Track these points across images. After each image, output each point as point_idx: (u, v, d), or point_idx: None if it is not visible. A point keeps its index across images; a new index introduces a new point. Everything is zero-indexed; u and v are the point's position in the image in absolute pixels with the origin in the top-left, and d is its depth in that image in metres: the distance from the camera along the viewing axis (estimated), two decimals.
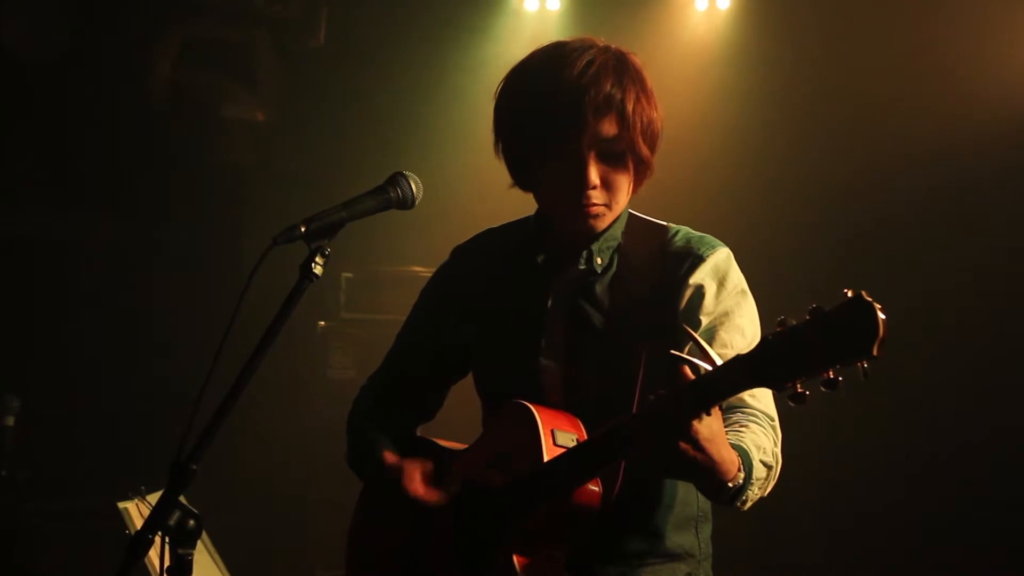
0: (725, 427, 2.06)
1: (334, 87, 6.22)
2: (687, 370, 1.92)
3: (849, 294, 1.71)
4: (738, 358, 1.85)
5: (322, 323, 5.84)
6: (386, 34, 6.14)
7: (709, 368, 1.89)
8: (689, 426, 1.90)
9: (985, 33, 4.92)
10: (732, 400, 2.14)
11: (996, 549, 4.78)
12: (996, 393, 4.87)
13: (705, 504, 2.41)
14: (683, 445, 1.92)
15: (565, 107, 2.24)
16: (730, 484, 2.00)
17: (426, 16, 6.07)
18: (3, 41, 5.63)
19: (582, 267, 2.39)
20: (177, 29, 6.15)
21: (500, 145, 2.41)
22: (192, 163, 6.14)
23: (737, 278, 2.37)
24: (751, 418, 2.19)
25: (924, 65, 5.00)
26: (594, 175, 2.27)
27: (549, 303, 2.40)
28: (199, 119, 6.21)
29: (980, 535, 4.82)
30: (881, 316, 1.67)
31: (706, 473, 1.96)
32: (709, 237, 2.41)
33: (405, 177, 2.19)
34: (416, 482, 2.38)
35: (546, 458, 2.16)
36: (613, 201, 2.32)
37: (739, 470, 2.01)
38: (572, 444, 2.18)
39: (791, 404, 1.79)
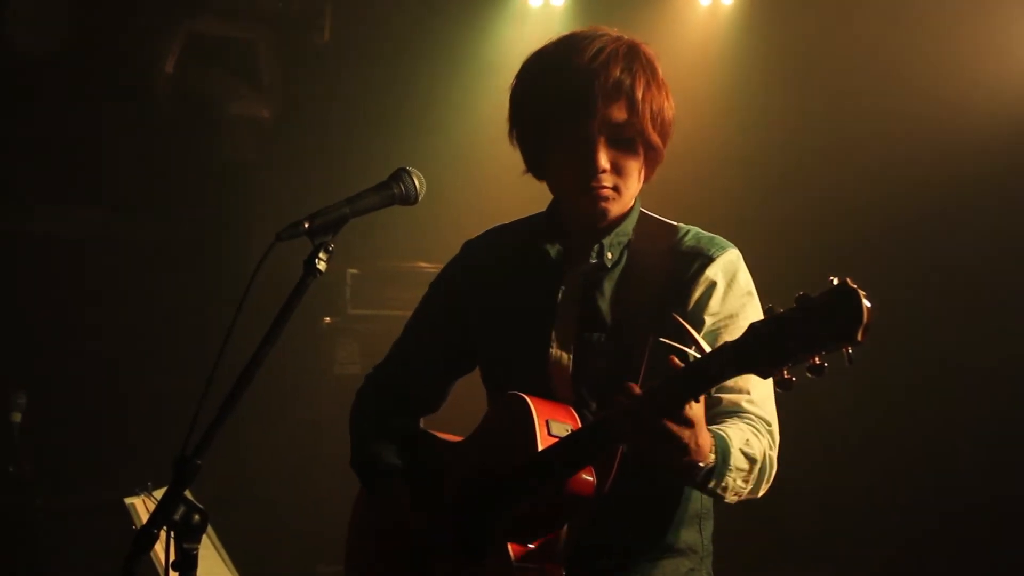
0: (716, 424, 2.10)
1: (339, 84, 6.22)
2: (677, 358, 1.94)
3: (834, 281, 1.72)
4: (725, 345, 1.86)
5: (328, 319, 5.85)
6: (390, 31, 6.14)
7: (699, 356, 1.91)
8: (679, 412, 1.92)
9: (989, 32, 4.91)
10: (730, 406, 2.19)
11: (993, 548, 4.77)
12: (988, 386, 4.85)
13: (708, 501, 2.42)
14: (673, 431, 1.93)
15: (575, 92, 2.27)
16: (701, 464, 2.01)
17: (430, 12, 6.07)
18: (6, 36, 5.63)
19: (593, 260, 2.40)
20: (182, 25, 6.15)
21: (515, 132, 2.44)
22: (197, 160, 6.15)
23: (745, 280, 2.37)
24: (746, 421, 2.21)
25: (928, 62, 4.99)
26: (603, 159, 2.29)
27: (560, 295, 2.41)
28: (204, 116, 6.22)
29: (975, 533, 4.80)
30: (866, 303, 1.68)
31: (681, 453, 1.97)
32: (719, 238, 2.42)
33: (408, 173, 2.19)
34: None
35: (540, 448, 2.19)
36: (623, 186, 2.34)
37: (712, 451, 2.02)
38: (566, 434, 2.20)
39: (777, 390, 1.81)
